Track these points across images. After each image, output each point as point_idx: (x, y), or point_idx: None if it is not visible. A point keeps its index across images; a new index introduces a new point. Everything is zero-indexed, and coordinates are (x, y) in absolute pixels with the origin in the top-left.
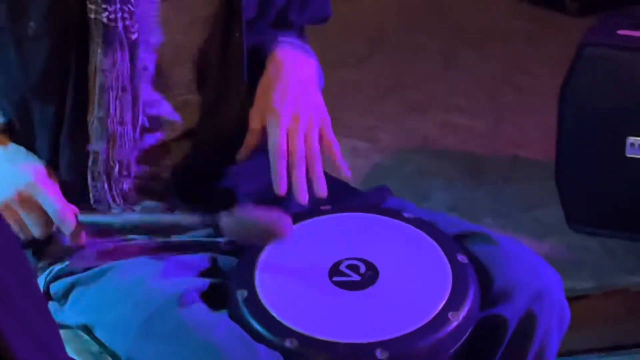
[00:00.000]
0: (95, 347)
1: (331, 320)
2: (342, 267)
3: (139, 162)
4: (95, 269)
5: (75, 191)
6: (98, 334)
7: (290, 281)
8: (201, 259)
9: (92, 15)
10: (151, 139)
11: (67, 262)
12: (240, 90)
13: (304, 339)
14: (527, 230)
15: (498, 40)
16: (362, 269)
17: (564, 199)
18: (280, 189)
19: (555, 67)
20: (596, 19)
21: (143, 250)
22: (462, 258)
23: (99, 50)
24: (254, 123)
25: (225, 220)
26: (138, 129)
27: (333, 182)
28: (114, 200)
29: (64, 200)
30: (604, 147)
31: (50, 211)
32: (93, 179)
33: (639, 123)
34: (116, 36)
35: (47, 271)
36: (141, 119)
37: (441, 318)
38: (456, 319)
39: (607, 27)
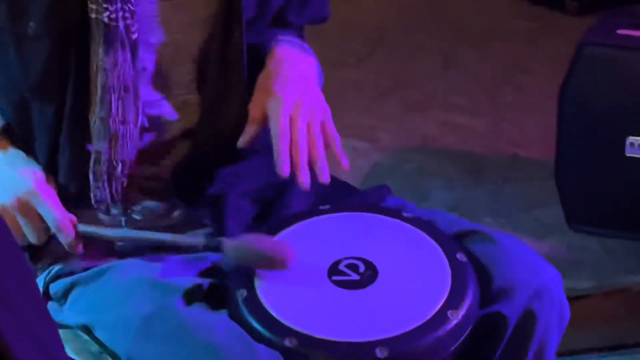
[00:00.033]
0: (95, 347)
1: (331, 319)
2: (342, 267)
3: (139, 162)
4: (95, 269)
5: (74, 191)
6: (98, 333)
7: (289, 281)
8: (201, 259)
9: (93, 15)
10: (151, 139)
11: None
12: (240, 90)
13: (303, 338)
14: (527, 229)
15: (498, 40)
16: (362, 268)
17: (564, 198)
18: (284, 169)
19: (555, 66)
20: (596, 18)
21: (142, 250)
22: (461, 257)
23: (101, 50)
24: (254, 111)
25: (228, 245)
26: (138, 128)
27: (332, 182)
28: (114, 200)
29: (63, 209)
30: (604, 147)
31: (49, 220)
32: (95, 179)
33: (638, 123)
34: (117, 36)
35: (47, 271)
36: (141, 119)
37: (441, 316)
38: (456, 317)
39: (606, 26)
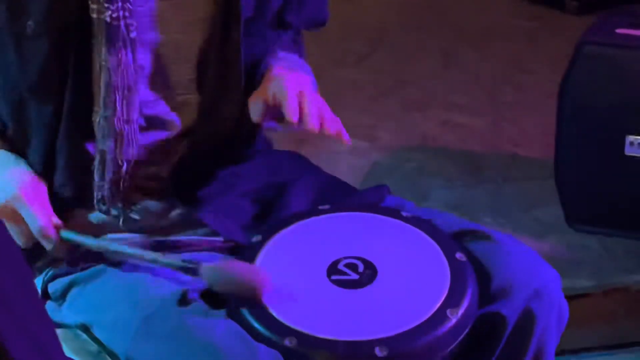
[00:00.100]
0: (93, 347)
1: (330, 318)
2: (341, 266)
3: (138, 161)
4: (93, 268)
5: (72, 191)
6: (96, 333)
7: (288, 280)
8: (199, 257)
9: (95, 15)
10: (150, 139)
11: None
12: (238, 89)
13: (303, 338)
14: (527, 229)
15: (498, 39)
16: (361, 267)
17: (564, 197)
18: (293, 115)
19: (555, 65)
20: (596, 17)
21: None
22: (460, 256)
23: (104, 50)
24: (256, 93)
25: (205, 268)
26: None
27: (332, 181)
28: (116, 200)
29: (47, 214)
30: (603, 146)
31: (31, 226)
32: (99, 178)
33: (638, 122)
34: (119, 35)
35: (45, 271)
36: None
37: (440, 315)
38: (455, 316)
39: (606, 25)
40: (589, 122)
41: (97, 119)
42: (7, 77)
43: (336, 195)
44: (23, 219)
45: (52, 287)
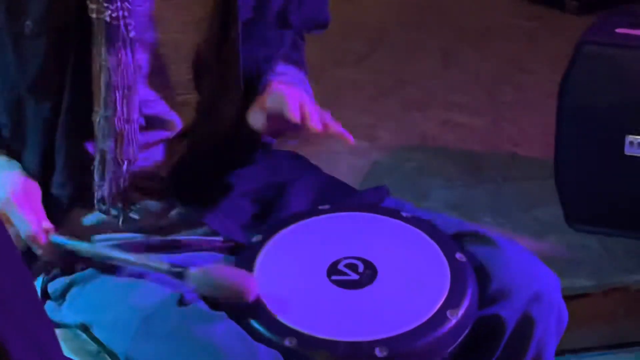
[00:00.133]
0: (93, 346)
1: (330, 319)
2: (341, 266)
3: (139, 161)
4: (93, 269)
5: (71, 191)
6: (96, 333)
7: (289, 280)
8: (199, 258)
9: (94, 15)
10: (150, 138)
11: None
12: (237, 90)
13: (303, 338)
14: (527, 228)
15: (498, 39)
16: (361, 267)
17: (563, 197)
18: (295, 115)
19: (555, 65)
20: (595, 17)
21: (140, 249)
22: (460, 256)
23: (103, 50)
24: (258, 101)
25: (193, 272)
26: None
27: (331, 182)
28: (114, 200)
29: (37, 220)
30: (603, 146)
31: (21, 230)
32: (100, 178)
33: (637, 121)
34: (119, 35)
35: (45, 270)
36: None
37: (440, 316)
38: (455, 317)
39: (606, 25)
40: (589, 121)
41: (98, 118)
42: (5, 77)
43: (336, 196)
44: (13, 223)
45: (52, 287)
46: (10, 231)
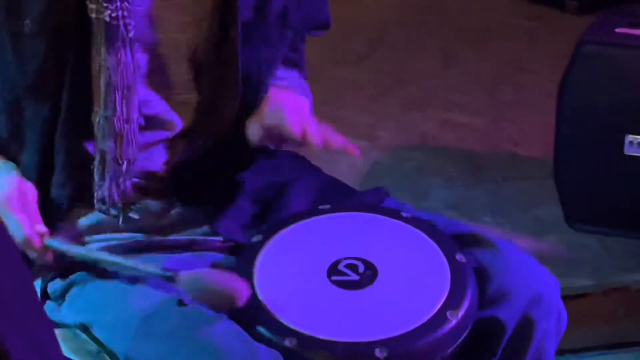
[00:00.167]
0: (93, 346)
1: (330, 319)
2: (341, 267)
3: (137, 161)
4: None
5: (70, 191)
6: (96, 333)
7: (289, 280)
8: (199, 258)
9: (93, 15)
10: (148, 138)
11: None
12: (236, 90)
13: (303, 338)
14: (526, 228)
15: (498, 39)
16: (361, 268)
17: (563, 197)
18: (295, 132)
19: (555, 65)
20: (595, 17)
21: (140, 249)
22: (460, 257)
23: (103, 50)
24: (256, 114)
25: (183, 277)
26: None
27: (331, 182)
28: (114, 200)
29: (31, 223)
30: (603, 145)
31: (15, 236)
32: (100, 178)
33: (637, 121)
34: (119, 35)
35: (43, 270)
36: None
37: (440, 317)
38: (455, 318)
39: (605, 25)
40: (589, 121)
41: (97, 118)
42: (4, 77)
43: (336, 196)
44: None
45: (52, 287)
46: None
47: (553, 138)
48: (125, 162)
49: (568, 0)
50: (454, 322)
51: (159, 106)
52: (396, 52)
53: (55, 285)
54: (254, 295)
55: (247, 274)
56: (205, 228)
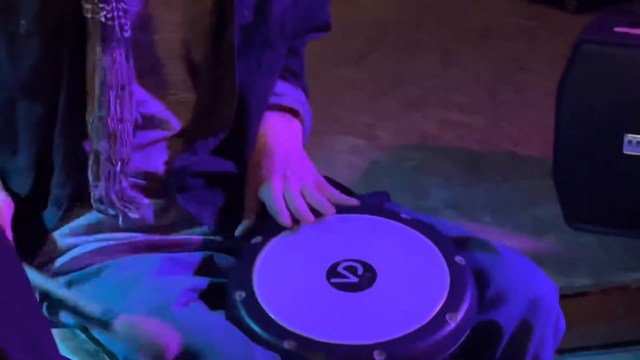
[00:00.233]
0: (91, 346)
1: (329, 321)
2: (340, 269)
3: (135, 160)
4: (91, 267)
5: (70, 191)
6: (94, 332)
7: (288, 282)
8: (197, 257)
9: (89, 15)
10: (146, 138)
11: (62, 261)
12: (233, 90)
13: (302, 341)
14: (526, 227)
15: (497, 38)
16: (360, 270)
17: (562, 196)
18: (284, 219)
19: (555, 64)
20: (594, 16)
21: (138, 249)
22: (460, 260)
23: (98, 49)
24: (250, 202)
25: (119, 323)
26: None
27: (331, 184)
28: (112, 199)
29: None
30: (602, 145)
31: None
32: (94, 178)
33: (636, 120)
34: (114, 35)
35: (43, 270)
36: (134, 117)
37: (439, 320)
38: (454, 321)
39: (604, 24)
40: (588, 120)
41: (91, 118)
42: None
43: None
44: None
45: None
46: None
47: (552, 137)
48: (119, 163)
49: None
50: (453, 325)
51: (156, 106)
52: (396, 52)
53: None
54: (253, 297)
55: (246, 275)
56: (205, 228)
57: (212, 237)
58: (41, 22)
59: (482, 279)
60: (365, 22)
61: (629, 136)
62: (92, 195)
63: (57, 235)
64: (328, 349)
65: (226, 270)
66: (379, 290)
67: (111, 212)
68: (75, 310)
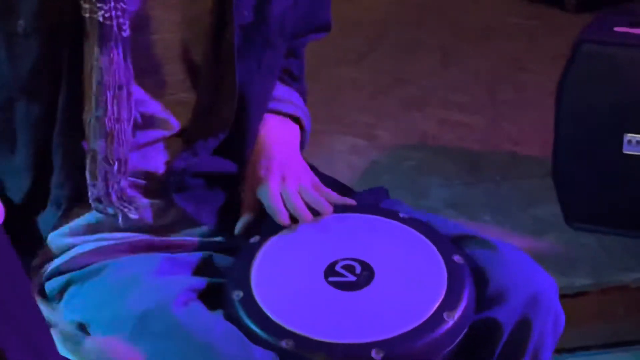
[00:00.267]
0: None
1: (327, 320)
2: (338, 268)
3: (134, 160)
4: (90, 267)
5: (70, 190)
6: (93, 332)
7: (286, 281)
8: (196, 258)
9: (87, 15)
10: (145, 137)
11: (61, 260)
12: (233, 90)
13: (299, 340)
14: (525, 227)
15: (497, 37)
16: (358, 269)
17: (562, 196)
18: (282, 218)
19: (554, 64)
20: (594, 16)
21: (137, 249)
22: (457, 258)
23: (96, 49)
24: (248, 200)
25: (89, 342)
26: (131, 127)
27: (327, 182)
28: (111, 199)
29: None
30: (601, 144)
31: None
32: (91, 177)
33: (636, 120)
34: (112, 35)
35: (42, 269)
36: (133, 116)
37: (436, 318)
38: (452, 319)
39: (604, 24)
40: (588, 120)
41: (89, 118)
42: None
43: None
44: None
45: (49, 286)
46: None
47: (552, 137)
48: (116, 162)
49: None
50: (450, 323)
51: (156, 106)
52: (396, 51)
53: (52, 284)
54: (250, 297)
55: (244, 275)
56: (204, 228)
57: (211, 238)
58: (40, 22)
59: (481, 277)
60: (365, 22)
61: (629, 136)
62: (90, 194)
63: (56, 235)
64: (326, 348)
65: (224, 270)
66: (377, 289)
67: (110, 211)
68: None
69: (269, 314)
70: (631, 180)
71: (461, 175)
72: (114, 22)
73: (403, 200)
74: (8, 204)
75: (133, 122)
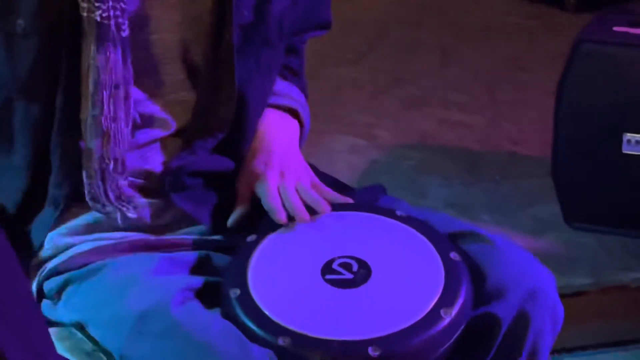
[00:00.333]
0: (88, 345)
1: (324, 318)
2: (335, 265)
3: (133, 159)
4: (89, 267)
5: (69, 190)
6: (91, 331)
7: (283, 279)
8: (194, 257)
9: (85, 14)
10: (144, 137)
11: (60, 260)
12: (232, 90)
13: (296, 337)
14: (524, 226)
15: (496, 37)
16: (355, 267)
17: (561, 195)
18: (280, 216)
19: (554, 63)
20: (594, 15)
21: (136, 248)
22: (454, 255)
23: (93, 48)
24: (243, 190)
25: None
26: (130, 127)
27: (326, 180)
28: (108, 198)
29: None
30: (601, 144)
31: None
32: (88, 176)
33: (635, 119)
34: (109, 34)
35: (41, 269)
36: (132, 116)
37: (434, 315)
38: (449, 316)
39: (604, 23)
40: (587, 120)
41: (85, 117)
42: None
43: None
44: None
45: (48, 286)
46: None
47: (551, 136)
48: (112, 162)
49: None
50: (447, 320)
51: (153, 105)
52: (395, 51)
53: (51, 284)
54: (247, 295)
55: (241, 273)
56: (202, 227)
57: (209, 237)
58: (39, 21)
59: (478, 273)
60: (365, 21)
61: (628, 135)
62: (86, 193)
63: (54, 234)
64: (323, 345)
65: (222, 268)
66: (374, 286)
67: (108, 209)
68: None
69: (266, 311)
70: (631, 180)
71: (461, 175)
72: (112, 22)
73: (402, 199)
74: (6, 203)
75: (132, 122)
